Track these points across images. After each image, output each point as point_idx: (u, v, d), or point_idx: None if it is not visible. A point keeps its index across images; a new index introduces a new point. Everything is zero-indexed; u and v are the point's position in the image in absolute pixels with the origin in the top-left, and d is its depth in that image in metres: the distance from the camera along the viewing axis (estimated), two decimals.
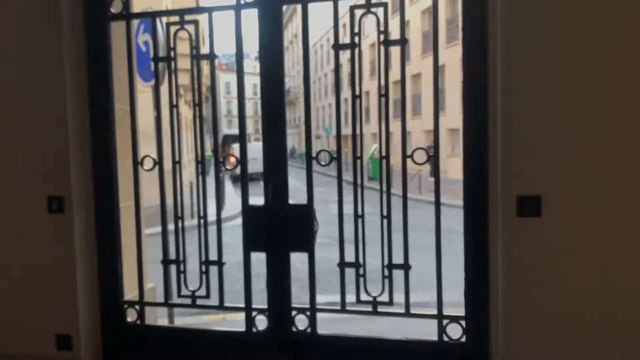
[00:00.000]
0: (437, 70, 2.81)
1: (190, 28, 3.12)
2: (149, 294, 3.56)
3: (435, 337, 2.90)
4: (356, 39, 2.90)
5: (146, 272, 3.54)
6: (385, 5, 2.86)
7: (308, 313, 3.08)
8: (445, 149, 21.78)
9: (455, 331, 2.87)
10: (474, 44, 2.70)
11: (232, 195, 14.54)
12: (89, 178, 3.25)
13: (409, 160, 2.88)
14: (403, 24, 2.88)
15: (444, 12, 21.79)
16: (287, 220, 3.05)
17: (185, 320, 4.70)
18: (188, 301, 3.29)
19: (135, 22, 3.87)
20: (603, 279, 2.54)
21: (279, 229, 3.07)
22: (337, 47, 2.94)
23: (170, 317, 4.29)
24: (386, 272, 2.95)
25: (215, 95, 3.56)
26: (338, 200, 3.00)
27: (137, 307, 3.36)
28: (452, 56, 16.89)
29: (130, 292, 3.39)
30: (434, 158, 2.86)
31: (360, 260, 3.00)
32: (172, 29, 3.18)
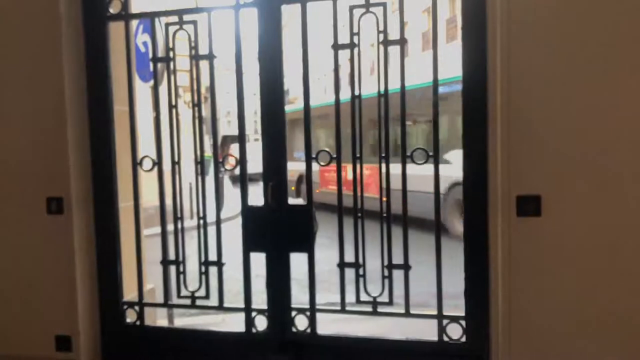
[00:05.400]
0: (436, 69, 2.81)
1: (189, 28, 3.12)
2: (148, 294, 3.56)
3: (435, 337, 2.90)
4: (355, 39, 2.90)
5: (146, 273, 3.53)
6: (384, 5, 2.86)
7: (308, 313, 3.08)
8: None
9: (455, 331, 2.86)
10: (473, 44, 2.70)
11: (232, 196, 14.51)
12: (88, 179, 3.25)
13: None
14: (402, 24, 2.88)
15: (445, 11, 21.71)
16: (286, 220, 3.05)
17: (185, 320, 4.69)
18: (187, 302, 3.28)
19: (134, 23, 3.86)
20: (603, 279, 2.53)
21: (279, 230, 3.07)
22: (337, 47, 2.93)
23: (170, 317, 4.28)
24: (386, 272, 2.95)
25: (215, 96, 3.56)
26: (337, 200, 3.00)
27: (136, 307, 3.35)
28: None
29: (129, 293, 3.39)
30: (434, 158, 2.85)
31: (360, 260, 2.99)
32: (171, 29, 3.18)
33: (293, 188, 10.58)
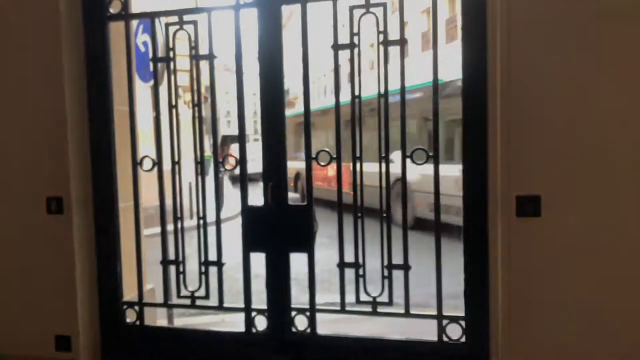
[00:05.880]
0: (436, 69, 2.81)
1: (189, 28, 3.12)
2: (148, 294, 3.56)
3: (435, 338, 2.90)
4: (355, 39, 2.90)
5: (145, 273, 3.53)
6: (384, 5, 2.86)
7: (307, 313, 3.08)
8: None
9: (455, 331, 2.87)
10: (473, 44, 2.70)
11: (232, 196, 14.54)
12: (88, 179, 3.25)
13: None
14: (402, 24, 2.88)
15: (444, 11, 21.69)
16: (286, 220, 3.05)
17: (185, 320, 4.69)
18: (187, 302, 3.28)
19: (134, 23, 3.87)
20: (603, 279, 2.54)
21: (279, 230, 3.07)
22: (337, 47, 2.93)
23: (170, 317, 4.28)
24: (386, 273, 2.95)
25: (215, 96, 3.56)
26: (337, 200, 3.00)
27: (136, 307, 3.35)
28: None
29: (129, 293, 3.39)
30: (434, 158, 2.85)
31: (360, 260, 2.99)
32: (171, 29, 3.18)
33: (292, 184, 12.28)
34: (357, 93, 2.94)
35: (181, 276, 3.28)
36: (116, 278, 3.32)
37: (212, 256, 3.22)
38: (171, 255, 3.33)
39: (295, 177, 12.31)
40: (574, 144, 2.51)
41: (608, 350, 2.56)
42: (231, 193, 13.35)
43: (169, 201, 3.27)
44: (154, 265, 3.49)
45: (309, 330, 3.08)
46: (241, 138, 3.19)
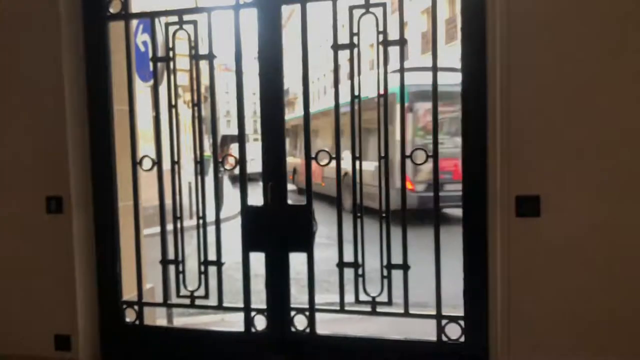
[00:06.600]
0: (435, 69, 2.81)
1: (189, 28, 3.12)
2: (147, 294, 3.56)
3: (434, 337, 2.90)
4: (355, 39, 2.90)
5: (145, 273, 3.54)
6: (384, 5, 2.87)
7: (307, 313, 3.08)
8: None
9: (454, 331, 2.87)
10: (473, 44, 2.70)
11: (231, 196, 14.56)
12: (87, 178, 3.25)
13: None
14: (402, 24, 2.88)
15: (444, 11, 21.72)
16: (286, 220, 3.05)
17: (184, 320, 4.69)
18: (187, 301, 3.29)
19: (134, 22, 3.87)
20: (602, 279, 2.54)
21: (278, 230, 3.07)
22: (336, 47, 2.94)
23: (169, 317, 4.29)
24: (385, 272, 2.96)
25: (215, 96, 3.56)
26: (337, 200, 3.00)
27: (135, 307, 3.36)
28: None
29: (129, 293, 3.39)
30: (433, 157, 2.86)
31: (359, 260, 3.00)
32: (171, 29, 3.18)
33: (290, 177, 13.74)
34: (356, 93, 2.94)
35: (181, 276, 3.28)
36: (115, 277, 3.32)
37: (212, 256, 3.22)
38: (171, 255, 3.34)
39: (293, 171, 14.08)
40: (573, 144, 2.51)
41: (608, 350, 2.56)
42: (231, 193, 13.38)
43: (168, 201, 3.28)
44: (154, 264, 3.49)
45: (308, 330, 3.08)
46: (241, 138, 3.20)
